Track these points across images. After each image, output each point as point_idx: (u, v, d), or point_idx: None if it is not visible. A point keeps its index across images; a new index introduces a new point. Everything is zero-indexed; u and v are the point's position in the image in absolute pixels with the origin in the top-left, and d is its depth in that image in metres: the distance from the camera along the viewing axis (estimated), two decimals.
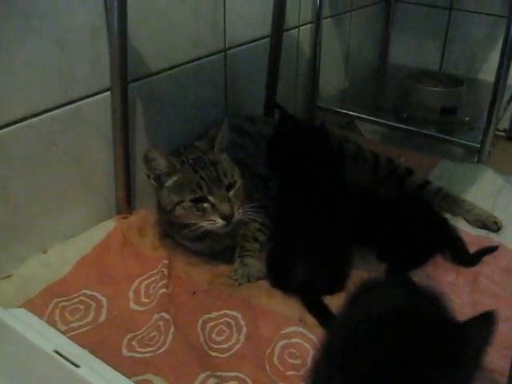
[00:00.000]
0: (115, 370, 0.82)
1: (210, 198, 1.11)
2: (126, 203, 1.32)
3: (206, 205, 1.11)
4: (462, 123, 1.82)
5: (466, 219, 1.37)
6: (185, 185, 1.12)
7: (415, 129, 1.78)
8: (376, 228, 1.23)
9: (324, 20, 1.93)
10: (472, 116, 1.83)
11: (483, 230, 1.34)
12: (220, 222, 1.11)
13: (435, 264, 1.23)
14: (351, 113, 1.93)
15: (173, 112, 1.41)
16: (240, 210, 1.13)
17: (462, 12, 2.24)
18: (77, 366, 0.81)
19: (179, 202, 1.12)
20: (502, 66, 1.55)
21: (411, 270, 1.18)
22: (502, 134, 2.15)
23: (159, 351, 0.96)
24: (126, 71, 1.19)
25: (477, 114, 1.83)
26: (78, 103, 1.18)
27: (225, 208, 1.11)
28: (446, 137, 1.75)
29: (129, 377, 0.84)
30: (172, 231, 1.23)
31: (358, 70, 2.27)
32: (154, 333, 1.01)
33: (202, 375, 0.90)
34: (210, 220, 1.11)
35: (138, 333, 1.02)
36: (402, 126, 1.80)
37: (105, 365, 0.83)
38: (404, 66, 2.28)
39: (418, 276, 1.17)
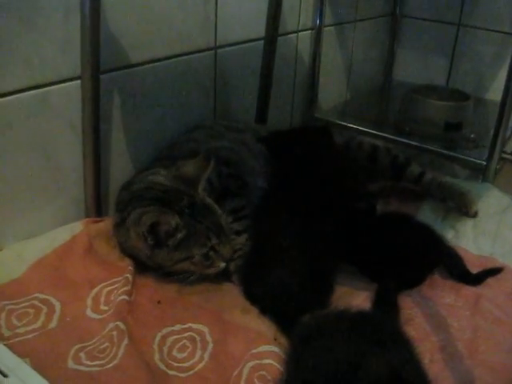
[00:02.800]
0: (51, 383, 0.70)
1: (217, 247, 1.03)
2: (96, 206, 1.20)
3: (211, 253, 1.02)
4: (466, 140, 1.71)
5: (455, 203, 1.37)
6: (192, 240, 1.01)
7: (417, 143, 1.67)
8: (365, 246, 1.13)
9: (326, 28, 1.85)
10: (478, 133, 1.72)
11: (486, 250, 1.22)
12: (223, 265, 1.05)
13: (433, 284, 1.12)
14: (351, 125, 1.81)
15: (154, 109, 1.31)
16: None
17: (470, 29, 2.15)
18: (5, 375, 0.70)
19: (186, 258, 1.02)
20: (510, 80, 1.44)
21: (403, 290, 1.06)
22: (510, 156, 2.03)
23: (108, 365, 0.84)
24: (97, 57, 1.09)
25: (483, 132, 1.72)
26: (45, 89, 1.07)
27: (228, 251, 1.05)
28: (450, 153, 1.64)
29: None
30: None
31: (360, 83, 2.18)
32: (105, 344, 0.88)
33: None
34: (215, 267, 1.04)
35: (89, 343, 0.90)
36: (403, 140, 1.68)
37: (39, 377, 0.73)
38: (409, 83, 2.17)
39: (413, 297, 1.04)
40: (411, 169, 1.42)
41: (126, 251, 1.08)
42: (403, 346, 0.82)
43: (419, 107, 1.78)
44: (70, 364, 0.85)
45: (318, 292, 0.99)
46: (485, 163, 1.56)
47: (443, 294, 1.08)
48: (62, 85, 1.10)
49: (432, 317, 0.99)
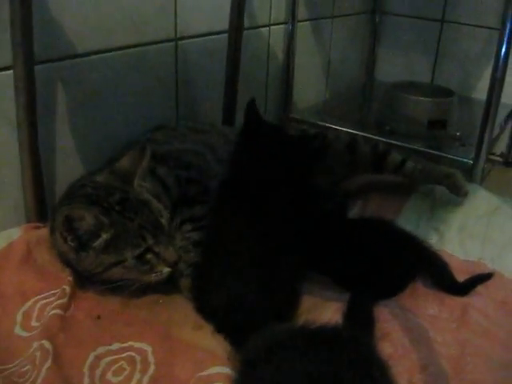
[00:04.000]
0: None
1: (155, 248, 0.89)
2: (37, 209, 1.07)
3: (148, 256, 0.88)
4: (452, 139, 1.60)
5: (445, 185, 1.32)
6: (122, 240, 0.87)
7: (399, 143, 1.55)
8: (335, 250, 1.01)
9: (300, 23, 1.73)
10: (463, 132, 1.61)
11: (474, 255, 1.10)
12: (167, 270, 0.90)
13: (414, 293, 0.99)
14: (330, 125, 1.69)
15: (106, 105, 1.19)
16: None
17: (454, 25, 2.05)
18: None
19: (118, 263, 0.87)
20: (496, 77, 1.33)
21: (380, 300, 0.93)
22: (499, 158, 1.91)
23: None
24: (30, 45, 0.96)
25: (469, 130, 1.61)
26: None
27: (171, 254, 0.90)
28: (435, 152, 1.52)
29: None
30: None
31: (340, 83, 2.07)
32: (27, 367, 0.75)
33: None
34: (157, 272, 0.89)
35: (10, 366, 0.77)
36: (384, 139, 1.56)
37: None
38: (391, 83, 2.06)
39: (390, 307, 0.92)
40: (392, 156, 1.34)
41: (62, 259, 0.95)
42: (375, 371, 0.68)
43: (400, 104, 1.67)
44: None
45: (279, 305, 0.86)
46: (471, 162, 1.44)
47: (425, 304, 0.96)
48: None
49: (412, 331, 0.86)
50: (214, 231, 0.96)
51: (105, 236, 0.86)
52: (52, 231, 0.94)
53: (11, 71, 0.98)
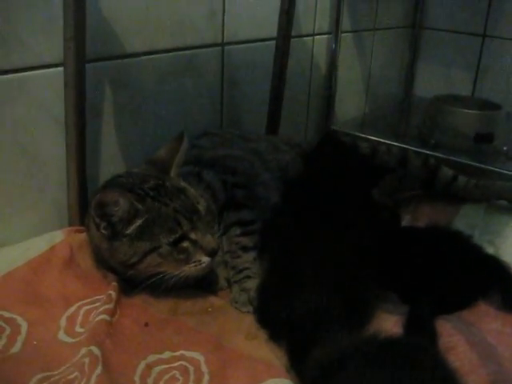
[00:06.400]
0: None
1: (192, 235, 0.85)
2: (80, 213, 1.04)
3: (185, 244, 0.85)
4: (498, 153, 1.54)
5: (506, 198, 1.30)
6: (157, 225, 0.84)
7: (445, 156, 1.50)
8: (401, 265, 0.95)
9: (343, 34, 1.70)
10: (510, 146, 1.55)
11: None
12: (206, 260, 0.86)
13: (473, 308, 0.93)
14: (372, 137, 1.64)
15: (151, 108, 1.16)
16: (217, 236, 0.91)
17: (496, 39, 1.99)
18: None
19: (153, 250, 0.84)
20: None
21: (439, 314, 0.88)
22: None
23: None
24: (82, 42, 0.94)
25: None
26: (23, 73, 0.92)
27: (209, 242, 0.86)
28: (481, 165, 1.46)
29: None
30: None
31: (379, 97, 2.03)
32: (75, 373, 0.71)
33: None
34: (195, 262, 0.85)
35: (55, 372, 0.73)
36: (430, 152, 1.51)
37: None
38: (433, 96, 2.02)
39: (453, 322, 0.86)
40: (444, 171, 1.33)
41: (98, 259, 0.93)
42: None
43: (446, 117, 1.62)
44: None
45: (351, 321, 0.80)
46: None
47: (487, 319, 0.90)
48: (43, 71, 0.96)
49: (478, 345, 0.81)
50: (284, 244, 0.92)
51: (139, 222, 0.83)
52: (87, 225, 0.91)
53: (61, 68, 0.96)
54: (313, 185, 1.06)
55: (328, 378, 0.60)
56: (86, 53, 0.97)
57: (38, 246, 0.97)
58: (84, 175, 1.02)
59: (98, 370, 0.70)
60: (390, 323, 0.85)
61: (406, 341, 0.71)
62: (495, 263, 0.97)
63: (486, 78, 2.05)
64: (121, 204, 0.82)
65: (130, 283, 0.89)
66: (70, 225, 1.06)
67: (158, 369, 0.75)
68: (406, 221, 1.23)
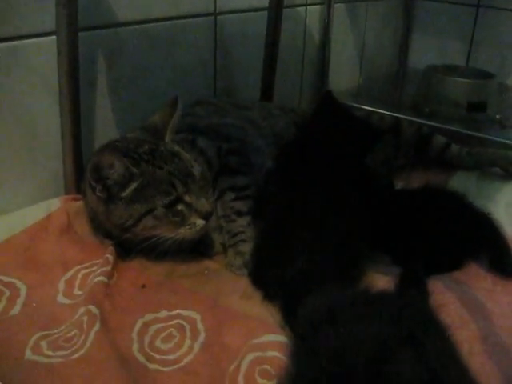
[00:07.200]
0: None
1: (186, 197, 0.86)
2: (76, 181, 1.05)
3: (180, 206, 0.86)
4: (491, 121, 1.55)
5: (500, 166, 1.32)
6: (152, 188, 0.85)
7: (439, 125, 1.51)
8: (393, 226, 0.96)
9: (336, 4, 1.69)
10: (504, 113, 1.56)
11: None
12: (201, 223, 0.87)
13: (465, 269, 0.95)
14: (366, 107, 1.65)
15: (144, 77, 1.17)
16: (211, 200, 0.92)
17: (490, 9, 1.99)
18: None
19: (148, 212, 0.85)
20: None
21: (432, 274, 0.89)
22: None
23: (73, 356, 0.69)
24: (74, 10, 0.94)
25: (510, 112, 1.56)
26: (16, 42, 0.93)
27: (203, 205, 0.87)
28: (475, 133, 1.47)
29: None
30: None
31: (373, 67, 2.02)
32: (74, 331, 0.73)
33: None
34: (190, 224, 0.86)
35: (55, 331, 0.74)
36: (424, 121, 1.51)
37: None
38: (427, 66, 2.02)
39: (444, 281, 0.88)
40: (437, 138, 1.33)
41: (94, 225, 0.94)
42: (439, 337, 0.65)
43: (439, 86, 1.63)
44: (28, 355, 0.69)
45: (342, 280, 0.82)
46: None
47: (478, 278, 0.92)
48: (36, 39, 0.96)
49: (468, 302, 0.83)
50: (278, 207, 0.94)
51: (134, 185, 0.84)
52: (83, 190, 0.93)
53: (54, 37, 0.96)
54: (306, 150, 1.06)
55: (317, 330, 0.62)
56: (79, 22, 0.97)
57: (35, 213, 0.98)
58: (79, 144, 1.03)
59: (97, 326, 0.72)
60: (382, 283, 0.87)
61: (397, 295, 0.72)
62: (487, 222, 0.97)
63: (480, 48, 2.04)
64: (116, 167, 0.83)
65: (126, 248, 0.91)
66: (67, 193, 1.07)
67: (155, 327, 0.76)
68: (399, 187, 1.24)
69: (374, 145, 1.07)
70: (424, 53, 2.13)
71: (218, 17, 1.31)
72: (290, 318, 0.74)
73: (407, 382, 0.53)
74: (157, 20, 1.16)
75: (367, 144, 1.07)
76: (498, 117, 1.57)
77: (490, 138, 1.46)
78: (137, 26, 1.12)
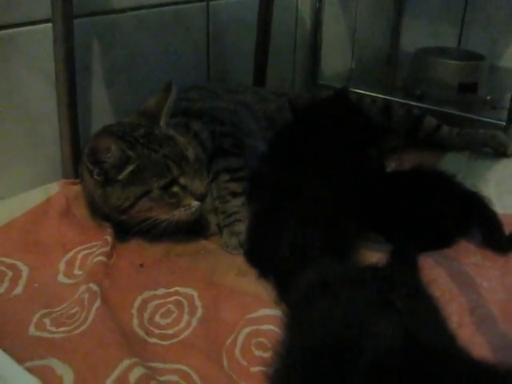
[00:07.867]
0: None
1: (181, 180, 0.88)
2: (74, 166, 1.07)
3: (175, 188, 0.88)
4: (482, 102, 1.57)
5: (490, 146, 1.36)
6: (148, 170, 0.88)
7: (431, 106, 1.52)
8: (385, 205, 0.99)
9: None
10: (495, 95, 1.58)
11: None
12: (195, 204, 0.89)
13: (455, 246, 0.98)
14: (358, 91, 1.66)
15: (139, 63, 1.18)
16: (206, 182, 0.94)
17: None
18: None
19: (144, 194, 0.87)
20: None
21: (423, 251, 0.92)
22: None
23: (76, 331, 0.72)
24: None
25: (499, 94, 1.58)
26: (12, 30, 0.95)
27: (198, 186, 0.90)
28: (466, 115, 1.50)
29: (24, 361, 0.60)
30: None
31: (365, 51, 2.03)
32: (75, 308, 0.76)
33: (126, 362, 0.65)
34: (185, 206, 0.89)
35: (57, 309, 0.77)
36: (416, 103, 1.54)
37: None
38: (419, 48, 2.03)
39: (434, 257, 0.91)
40: (427, 120, 1.36)
41: (92, 208, 0.97)
42: (425, 305, 0.68)
43: (430, 68, 1.64)
44: (32, 331, 0.72)
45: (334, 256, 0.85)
46: (504, 124, 1.41)
47: (468, 254, 0.95)
48: (32, 27, 0.98)
49: (458, 277, 0.86)
50: (270, 187, 0.97)
51: (130, 168, 0.87)
52: (81, 173, 0.95)
53: (50, 24, 0.98)
54: (301, 134, 1.09)
55: (309, 301, 0.64)
56: (74, 9, 0.98)
57: (34, 197, 1.01)
58: (76, 129, 1.05)
59: (97, 303, 0.75)
60: (374, 259, 0.89)
61: (388, 268, 0.75)
62: (476, 200, 1.00)
63: (471, 30, 2.06)
64: (112, 150, 0.86)
65: (124, 229, 0.93)
66: (65, 178, 1.08)
67: (153, 303, 0.79)
68: (390, 169, 1.27)
69: (375, 142, 1.10)
70: (415, 36, 2.14)
71: (211, 2, 1.32)
72: (283, 292, 0.77)
73: (385, 337, 0.56)
74: (151, 6, 1.18)
75: (368, 140, 1.10)
76: (488, 98, 1.59)
77: (481, 118, 1.49)
78: (131, 13, 1.14)
